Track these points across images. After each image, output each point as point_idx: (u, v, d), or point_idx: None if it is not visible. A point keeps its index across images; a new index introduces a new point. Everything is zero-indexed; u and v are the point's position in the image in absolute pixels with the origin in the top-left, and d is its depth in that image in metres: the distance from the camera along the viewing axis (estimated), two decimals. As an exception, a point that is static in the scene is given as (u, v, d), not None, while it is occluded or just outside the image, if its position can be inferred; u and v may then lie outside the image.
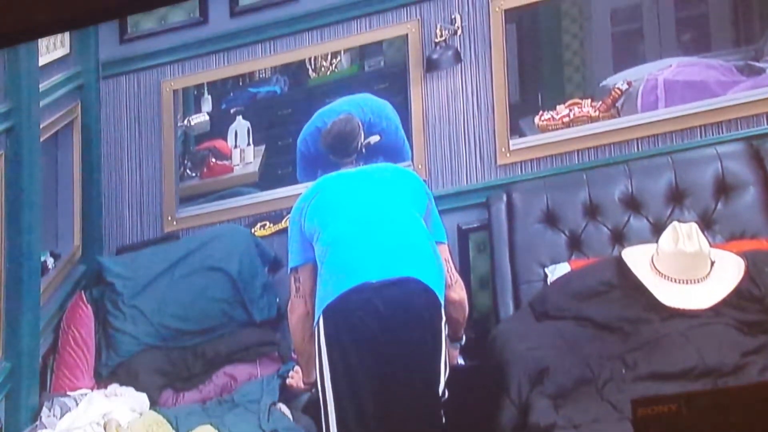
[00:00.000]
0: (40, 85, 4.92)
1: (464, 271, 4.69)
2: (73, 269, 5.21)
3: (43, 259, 4.96)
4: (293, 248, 4.14)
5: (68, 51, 5.49)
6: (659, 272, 3.98)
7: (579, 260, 4.37)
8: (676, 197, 4.37)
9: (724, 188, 4.31)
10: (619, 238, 4.38)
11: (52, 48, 5.36)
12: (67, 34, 5.48)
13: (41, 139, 4.92)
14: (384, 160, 4.42)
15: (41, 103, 4.92)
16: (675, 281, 3.95)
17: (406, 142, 4.91)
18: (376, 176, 4.20)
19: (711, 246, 4.03)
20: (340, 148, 4.39)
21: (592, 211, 4.46)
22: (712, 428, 2.16)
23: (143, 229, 5.48)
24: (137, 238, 5.46)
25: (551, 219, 4.50)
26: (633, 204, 4.42)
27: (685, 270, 3.94)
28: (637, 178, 4.41)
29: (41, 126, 4.92)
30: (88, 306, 4.95)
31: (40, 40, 4.99)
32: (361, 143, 4.34)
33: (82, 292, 5.04)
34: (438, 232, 4.13)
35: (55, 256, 5.16)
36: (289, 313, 4.16)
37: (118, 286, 4.99)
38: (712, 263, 3.95)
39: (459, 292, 4.08)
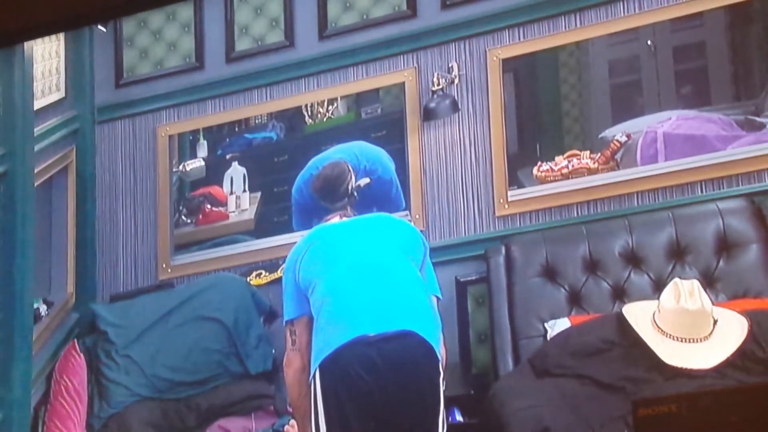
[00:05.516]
0: (35, 130, 4.85)
1: (463, 324, 4.65)
2: (66, 317, 5.15)
3: (36, 306, 4.88)
4: (288, 300, 4.02)
5: (64, 95, 5.46)
6: (661, 330, 3.92)
7: (579, 316, 4.32)
8: (678, 253, 4.33)
9: (725, 246, 4.27)
10: (620, 293, 4.34)
11: (48, 92, 5.33)
12: (62, 78, 5.47)
13: (35, 185, 4.86)
14: (377, 209, 4.35)
15: (36, 148, 4.85)
16: (677, 339, 3.89)
17: (400, 190, 4.86)
18: (371, 227, 4.09)
19: (713, 305, 3.96)
20: (328, 192, 4.28)
21: (592, 265, 4.42)
22: (712, 428, 2.15)
23: (137, 276, 5.45)
24: (131, 285, 5.42)
25: (551, 273, 4.45)
26: (634, 259, 4.38)
27: (688, 328, 3.88)
28: (638, 233, 4.37)
29: (35, 171, 4.85)
30: (81, 355, 4.85)
31: (35, 83, 4.96)
32: (352, 187, 4.24)
33: (75, 340, 4.95)
34: (432, 286, 4.03)
35: (48, 304, 5.08)
36: (285, 366, 4.03)
37: (112, 336, 4.91)
38: (715, 322, 3.89)
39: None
